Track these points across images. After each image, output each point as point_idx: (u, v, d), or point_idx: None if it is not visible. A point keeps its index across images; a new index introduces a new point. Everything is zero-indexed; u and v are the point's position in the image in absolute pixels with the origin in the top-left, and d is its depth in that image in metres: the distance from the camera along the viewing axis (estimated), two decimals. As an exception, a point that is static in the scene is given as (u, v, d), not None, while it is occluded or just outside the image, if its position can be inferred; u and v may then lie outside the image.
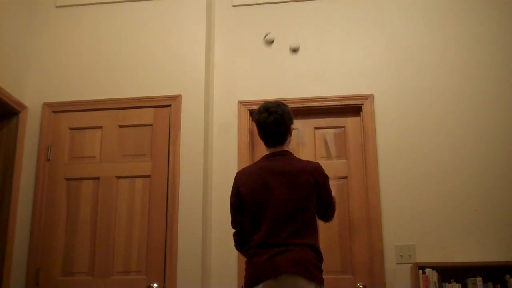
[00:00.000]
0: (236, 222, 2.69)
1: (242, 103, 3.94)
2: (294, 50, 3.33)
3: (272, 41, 3.22)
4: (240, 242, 2.69)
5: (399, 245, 3.57)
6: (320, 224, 3.11)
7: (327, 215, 2.70)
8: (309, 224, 2.52)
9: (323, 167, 2.65)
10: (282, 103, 2.69)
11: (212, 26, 4.09)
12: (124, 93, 3.83)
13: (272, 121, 2.61)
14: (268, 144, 2.68)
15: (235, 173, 3.72)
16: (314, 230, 2.55)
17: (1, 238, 3.58)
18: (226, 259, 3.66)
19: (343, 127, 3.89)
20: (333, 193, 2.72)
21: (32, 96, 3.89)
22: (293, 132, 2.77)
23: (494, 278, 3.38)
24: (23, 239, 3.63)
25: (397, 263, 3.54)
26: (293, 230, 2.47)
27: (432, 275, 3.28)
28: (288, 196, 2.51)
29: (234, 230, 2.72)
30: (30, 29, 4.00)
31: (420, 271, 3.30)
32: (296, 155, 2.76)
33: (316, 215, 2.63)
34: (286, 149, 2.68)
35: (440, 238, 3.55)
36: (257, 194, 2.55)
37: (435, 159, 3.69)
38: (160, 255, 3.52)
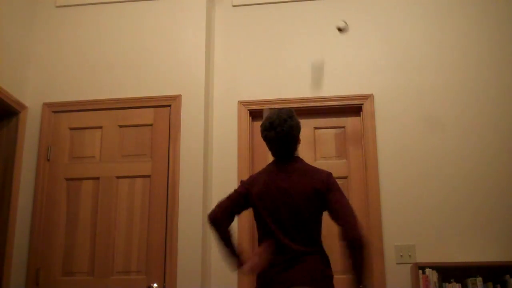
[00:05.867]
0: (225, 201, 2.52)
1: (242, 103, 3.94)
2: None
3: (342, 29, 3.16)
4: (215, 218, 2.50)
5: (399, 245, 3.57)
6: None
7: (349, 232, 2.32)
8: (316, 232, 2.46)
9: (324, 169, 2.58)
10: (288, 115, 2.53)
11: (212, 26, 4.09)
12: (124, 93, 3.83)
13: (279, 138, 2.50)
14: (275, 156, 2.59)
15: (235, 173, 3.79)
16: (320, 238, 2.49)
17: (1, 238, 3.58)
18: (226, 259, 3.67)
19: (343, 127, 3.89)
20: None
21: (32, 96, 3.89)
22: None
23: (494, 278, 3.38)
24: (23, 239, 3.63)
25: (397, 263, 3.54)
26: (301, 237, 2.41)
27: (432, 275, 3.28)
28: (294, 204, 2.43)
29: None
30: (31, 29, 4.00)
31: (420, 271, 3.30)
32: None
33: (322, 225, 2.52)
34: (296, 155, 2.60)
35: (440, 238, 3.56)
36: (265, 200, 2.48)
37: (435, 159, 3.69)
38: (160, 255, 3.52)
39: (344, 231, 2.33)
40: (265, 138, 2.56)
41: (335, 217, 2.40)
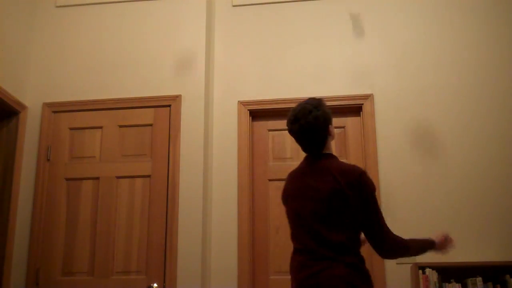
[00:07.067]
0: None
1: (242, 103, 3.94)
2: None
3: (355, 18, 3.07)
4: None
5: (399, 245, 3.56)
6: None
7: (378, 243, 2.25)
8: (343, 237, 2.24)
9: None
10: (314, 105, 2.34)
11: (212, 26, 4.09)
12: (124, 93, 3.83)
13: (304, 131, 2.32)
14: (304, 151, 2.42)
15: (235, 173, 3.79)
16: (350, 246, 2.26)
17: (1, 238, 3.58)
18: (226, 259, 3.66)
19: (343, 127, 3.89)
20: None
21: (32, 96, 3.89)
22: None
23: (494, 278, 3.38)
24: (23, 239, 3.63)
25: (397, 263, 3.54)
26: (326, 241, 2.24)
27: (432, 275, 3.28)
28: (318, 206, 2.26)
29: None
30: (30, 29, 4.00)
31: (420, 271, 3.30)
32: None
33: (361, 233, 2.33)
34: (327, 151, 2.38)
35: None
36: (292, 200, 2.38)
37: (435, 159, 3.69)
38: (160, 255, 3.52)
39: (376, 249, 2.33)
40: (290, 131, 2.39)
41: (364, 233, 2.30)
